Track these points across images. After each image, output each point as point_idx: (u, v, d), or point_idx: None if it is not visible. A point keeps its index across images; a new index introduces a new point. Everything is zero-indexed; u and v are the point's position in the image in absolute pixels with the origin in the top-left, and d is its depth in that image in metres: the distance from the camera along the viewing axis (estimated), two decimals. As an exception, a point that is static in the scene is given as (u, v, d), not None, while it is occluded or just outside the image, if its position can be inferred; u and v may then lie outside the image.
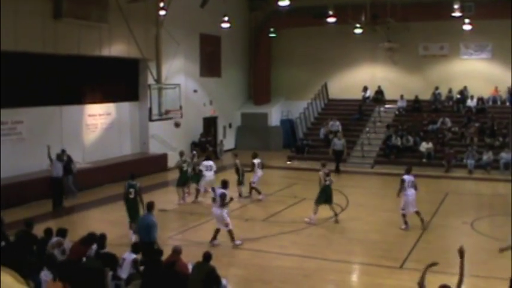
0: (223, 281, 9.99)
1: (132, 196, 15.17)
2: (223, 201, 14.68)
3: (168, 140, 27.91)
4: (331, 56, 34.27)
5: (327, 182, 17.22)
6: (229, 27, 29.69)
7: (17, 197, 19.07)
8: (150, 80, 26.06)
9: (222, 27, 29.54)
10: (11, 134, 20.61)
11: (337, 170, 25.92)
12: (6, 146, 20.17)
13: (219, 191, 14.94)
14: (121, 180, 20.22)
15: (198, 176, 20.40)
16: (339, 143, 27.03)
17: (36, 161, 20.94)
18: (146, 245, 11.94)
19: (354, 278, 13.15)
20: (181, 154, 20.86)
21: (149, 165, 25.81)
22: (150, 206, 12.87)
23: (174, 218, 18.44)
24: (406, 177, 16.27)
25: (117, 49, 24.24)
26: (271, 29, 34.67)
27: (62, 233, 11.60)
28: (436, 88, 31.84)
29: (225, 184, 15.12)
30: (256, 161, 20.87)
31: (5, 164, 19.51)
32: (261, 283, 12.13)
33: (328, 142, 29.06)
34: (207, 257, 10.24)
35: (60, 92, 22.54)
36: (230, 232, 14.75)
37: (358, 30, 31.30)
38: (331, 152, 26.81)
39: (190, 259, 11.87)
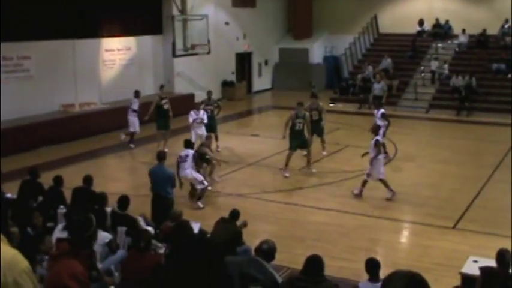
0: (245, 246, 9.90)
1: (166, 107, 18.50)
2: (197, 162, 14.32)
3: (196, 79, 27.76)
4: (382, -17, 33.39)
5: (297, 127, 16.72)
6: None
7: (24, 141, 19.22)
8: (175, 11, 25.78)
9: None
10: (17, 71, 20.65)
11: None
12: (11, 85, 20.26)
13: (187, 152, 14.36)
14: (142, 124, 20.28)
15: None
16: (377, 86, 25.85)
17: (46, 102, 21.06)
18: (162, 199, 11.92)
19: (399, 237, 12.95)
20: (209, 94, 20.05)
21: (174, 107, 25.64)
22: (162, 156, 12.69)
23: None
24: (380, 138, 15.20)
25: (137, -26, 23.96)
26: (315, -48, 33.82)
27: (88, 181, 11.64)
28: (506, 21, 30.71)
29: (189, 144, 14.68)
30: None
31: (10, 104, 19.62)
32: (293, 240, 12.04)
33: (364, 89, 28.56)
34: (234, 215, 10.17)
35: (73, 23, 22.28)
36: (203, 191, 14.29)
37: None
38: (371, 99, 25.83)
39: (216, 212, 11.89)
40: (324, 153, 19.23)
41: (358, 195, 14.82)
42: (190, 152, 14.26)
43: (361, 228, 12.91)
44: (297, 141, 16.74)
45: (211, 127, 19.00)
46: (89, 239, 5.14)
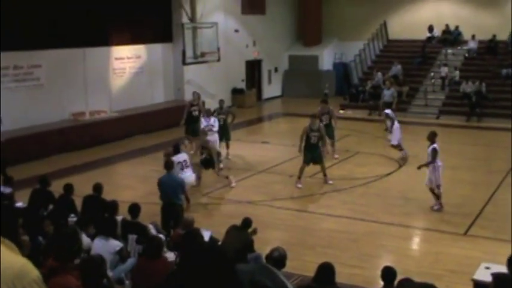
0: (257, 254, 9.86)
1: (195, 114, 18.44)
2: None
3: (206, 86, 27.78)
4: (391, -10, 33.33)
5: (312, 140, 16.40)
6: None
7: (34, 150, 19.27)
8: (185, 19, 25.85)
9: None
10: (27, 80, 20.75)
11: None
12: (22, 93, 20.37)
13: (183, 156, 14.63)
14: (153, 131, 20.33)
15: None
16: (387, 93, 25.54)
17: (56, 110, 21.14)
18: (173, 206, 11.92)
19: (410, 244, 12.89)
20: (221, 103, 20.09)
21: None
22: (169, 165, 12.70)
23: (210, 173, 18.37)
24: (436, 146, 14.35)
25: (146, -17, 24.03)
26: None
27: (98, 189, 11.65)
28: (516, 26, 30.63)
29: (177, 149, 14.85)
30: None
31: (21, 113, 19.75)
32: (303, 247, 11.99)
33: (374, 96, 28.44)
34: (246, 223, 10.14)
35: (83, 32, 22.39)
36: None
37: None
38: (381, 105, 25.30)
39: (226, 220, 11.86)
40: (336, 156, 19.22)
41: (440, 209, 14.28)
42: (185, 155, 14.48)
43: (372, 234, 12.86)
44: (311, 154, 16.48)
45: (223, 135, 19.02)
46: (75, 252, 5.13)
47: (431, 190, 14.37)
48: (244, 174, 17.76)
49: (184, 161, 14.44)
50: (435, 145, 14.25)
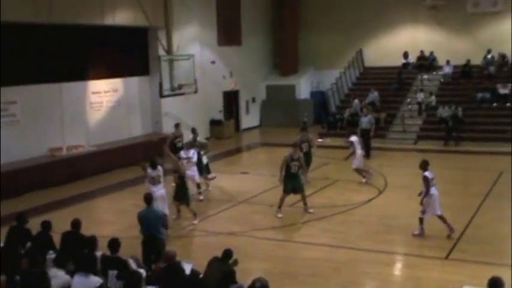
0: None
1: (179, 145, 17.65)
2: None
3: (184, 118, 27.76)
4: (366, 18, 33.73)
5: (292, 169, 16.38)
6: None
7: (11, 187, 19.01)
8: (161, 51, 25.94)
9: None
10: (3, 116, 20.59)
11: (367, 154, 23.57)
12: (-3, 130, 20.25)
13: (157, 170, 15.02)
14: (131, 165, 20.23)
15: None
16: (364, 120, 24.95)
17: (33, 146, 21.02)
18: (154, 240, 11.81)
19: (392, 270, 12.84)
20: (194, 134, 19.77)
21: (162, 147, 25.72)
22: (149, 199, 12.59)
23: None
24: (428, 173, 14.26)
25: (121, 17, 24.10)
26: (298, -11, 34.21)
27: (77, 225, 11.51)
28: (489, 51, 31.07)
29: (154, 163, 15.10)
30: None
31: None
32: (285, 277, 11.94)
33: (352, 123, 28.49)
34: (227, 254, 10.07)
35: (59, 67, 22.46)
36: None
37: (396, -13, 30.75)
38: (359, 132, 24.63)
39: (208, 252, 11.79)
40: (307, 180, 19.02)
41: (421, 235, 14.23)
42: (160, 171, 15.05)
43: (353, 262, 12.85)
44: (292, 184, 16.44)
45: (201, 170, 18.93)
46: None
47: (441, 218, 14.23)
48: (224, 205, 17.72)
49: (158, 175, 14.88)
50: (426, 173, 14.20)
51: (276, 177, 16.92)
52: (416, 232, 14.36)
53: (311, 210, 16.48)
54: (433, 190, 14.13)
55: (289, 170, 16.39)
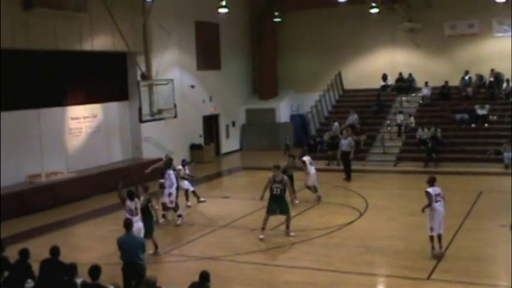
0: None
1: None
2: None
3: (164, 143, 27.75)
4: (344, 41, 34.06)
5: (274, 191, 16.39)
6: (228, 12, 29.51)
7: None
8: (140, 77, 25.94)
9: (219, 13, 29.38)
10: (-19, 144, 20.47)
11: (348, 177, 24.48)
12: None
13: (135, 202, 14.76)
14: (111, 191, 20.04)
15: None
16: (344, 142, 24.96)
17: (12, 173, 20.88)
18: (134, 266, 11.72)
19: (374, 292, 12.91)
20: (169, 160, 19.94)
21: (144, 172, 25.60)
22: (129, 225, 12.51)
23: (171, 230, 18.25)
24: (431, 189, 14.45)
25: (100, 42, 24.12)
26: (276, 13, 34.48)
27: (55, 252, 11.37)
28: (466, 72, 31.44)
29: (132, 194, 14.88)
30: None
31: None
32: (268, 302, 11.92)
33: (332, 146, 28.72)
34: (205, 276, 10.02)
35: (37, 93, 22.42)
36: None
37: (374, 10, 31.10)
38: (339, 155, 25.35)
39: (189, 277, 11.72)
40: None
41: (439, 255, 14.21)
42: (137, 203, 14.74)
43: (335, 285, 12.84)
44: (276, 205, 16.40)
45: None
46: None
47: (431, 238, 14.29)
48: (206, 229, 17.69)
49: (136, 208, 14.64)
50: (429, 188, 14.38)
51: (256, 200, 16.96)
52: (430, 255, 14.23)
53: (292, 234, 16.45)
54: (437, 206, 14.26)
55: (272, 191, 16.41)
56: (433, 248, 14.28)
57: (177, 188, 18.81)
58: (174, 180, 18.52)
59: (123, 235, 12.22)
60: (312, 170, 20.78)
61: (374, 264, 14.30)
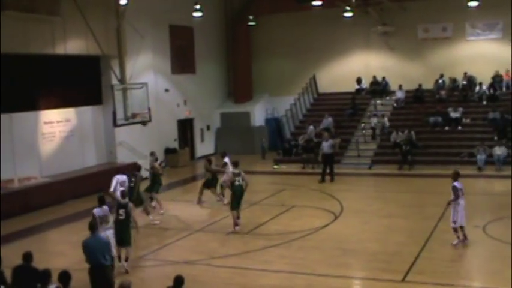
0: None
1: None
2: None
3: (138, 147, 27.61)
4: (318, 45, 34.19)
5: (237, 182, 17.56)
6: (202, 16, 29.48)
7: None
8: (114, 80, 25.83)
9: (194, 17, 29.31)
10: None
11: (331, 179, 24.94)
12: None
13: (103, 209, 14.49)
14: (85, 195, 19.99)
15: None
16: (326, 144, 25.50)
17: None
18: (103, 268, 11.62)
19: (350, 295, 12.97)
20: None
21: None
22: (94, 226, 12.37)
23: (146, 234, 18.15)
24: (457, 184, 15.25)
25: (73, 46, 23.95)
26: (250, 17, 34.49)
27: (28, 258, 11.24)
28: (441, 76, 31.73)
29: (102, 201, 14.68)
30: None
31: None
32: (244, 305, 11.92)
33: (307, 149, 28.87)
34: (179, 281, 9.99)
35: (9, 97, 22.10)
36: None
37: (347, 14, 31.26)
38: (321, 158, 25.67)
39: (164, 282, 11.68)
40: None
41: (458, 244, 15.08)
42: (107, 210, 14.47)
43: (311, 287, 12.87)
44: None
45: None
46: None
47: (455, 230, 15.14)
48: (181, 234, 17.63)
49: (105, 215, 14.33)
50: (455, 183, 15.18)
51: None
52: (455, 242, 15.08)
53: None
54: (461, 200, 15.11)
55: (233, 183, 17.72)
56: (458, 237, 15.09)
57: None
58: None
59: (88, 238, 12.07)
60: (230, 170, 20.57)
61: (349, 267, 14.39)
